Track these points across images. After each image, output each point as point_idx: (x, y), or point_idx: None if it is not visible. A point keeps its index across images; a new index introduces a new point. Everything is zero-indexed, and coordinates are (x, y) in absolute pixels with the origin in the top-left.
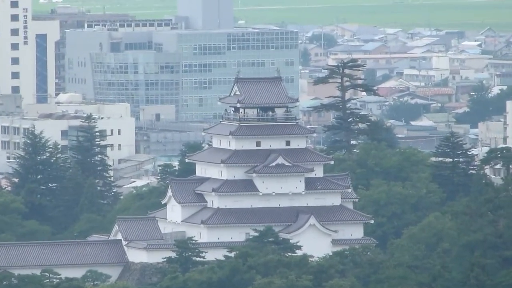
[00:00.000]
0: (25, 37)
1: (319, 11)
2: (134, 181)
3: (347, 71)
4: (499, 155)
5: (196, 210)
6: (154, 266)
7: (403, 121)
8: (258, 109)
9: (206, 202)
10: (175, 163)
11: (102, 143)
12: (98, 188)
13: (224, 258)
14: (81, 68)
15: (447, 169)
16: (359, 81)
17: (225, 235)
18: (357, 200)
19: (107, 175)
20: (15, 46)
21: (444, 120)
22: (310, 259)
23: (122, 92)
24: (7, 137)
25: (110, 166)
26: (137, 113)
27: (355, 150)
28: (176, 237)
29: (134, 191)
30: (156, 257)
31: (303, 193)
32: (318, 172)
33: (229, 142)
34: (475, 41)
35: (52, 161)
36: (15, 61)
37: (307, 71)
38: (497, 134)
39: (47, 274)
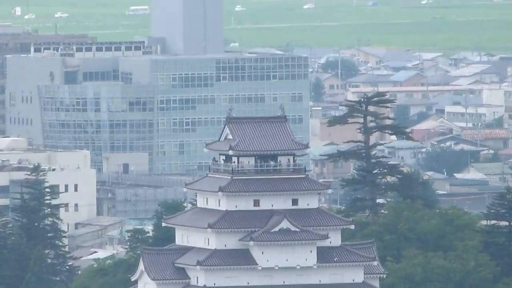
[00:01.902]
0: None
1: (335, 30)
2: (96, 252)
3: (371, 108)
4: None
5: None
6: None
7: (445, 173)
8: (256, 157)
9: (189, 278)
10: (149, 228)
11: (54, 202)
12: (49, 260)
13: None
14: (27, 105)
15: (502, 235)
16: (388, 121)
17: None
18: (385, 275)
19: (60, 243)
20: None
21: (498, 172)
22: None
23: (80, 136)
24: None
25: (64, 232)
26: (99, 163)
27: (382, 211)
28: None
29: (95, 265)
30: None
31: (315, 266)
32: (335, 240)
33: (219, 200)
34: None
35: None
36: None
37: (320, 108)
38: None
39: None
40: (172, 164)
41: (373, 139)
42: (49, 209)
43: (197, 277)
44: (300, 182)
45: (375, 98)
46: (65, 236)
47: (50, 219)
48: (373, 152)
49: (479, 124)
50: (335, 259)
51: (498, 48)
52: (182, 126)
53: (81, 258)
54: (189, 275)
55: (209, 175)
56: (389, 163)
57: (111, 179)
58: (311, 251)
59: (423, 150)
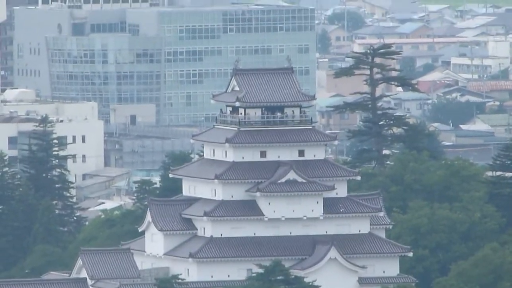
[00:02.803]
0: None
1: None
2: (103, 203)
3: (377, 59)
4: None
5: (183, 239)
6: None
7: (451, 124)
8: (263, 109)
9: (196, 229)
10: (156, 179)
11: (62, 153)
12: (57, 211)
13: None
14: (34, 57)
15: (508, 186)
16: (394, 73)
17: (220, 272)
18: (391, 226)
19: (68, 194)
20: None
21: (504, 123)
22: None
23: (88, 87)
24: None
25: (72, 183)
26: (106, 114)
27: (388, 162)
28: (158, 275)
29: (103, 216)
30: None
31: (321, 217)
32: (341, 191)
33: (226, 152)
34: None
35: None
36: None
37: (327, 60)
38: None
39: None
40: (179, 115)
41: (379, 90)
42: (57, 160)
43: (204, 228)
44: (306, 133)
45: (381, 50)
46: (72, 187)
47: (58, 170)
48: (379, 104)
49: (485, 76)
50: (341, 210)
51: (504, 0)
52: (189, 77)
53: (89, 209)
54: (196, 226)
55: (216, 126)
56: (395, 114)
57: (119, 130)
58: (317, 202)
59: (429, 101)
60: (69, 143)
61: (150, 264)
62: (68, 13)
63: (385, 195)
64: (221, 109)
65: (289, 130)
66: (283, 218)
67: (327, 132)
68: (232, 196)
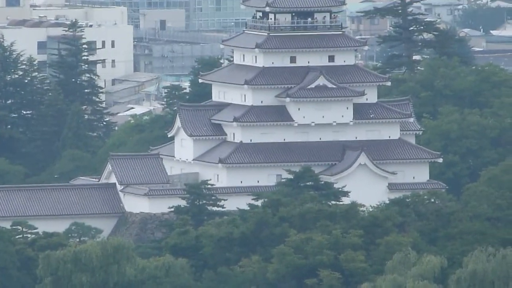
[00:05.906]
0: None
1: None
2: (132, 108)
3: None
4: None
5: (213, 145)
6: (158, 217)
7: (481, 30)
8: (293, 14)
9: (226, 135)
10: (186, 84)
11: (91, 58)
12: (86, 116)
13: (248, 208)
14: None
15: None
16: None
17: (249, 177)
18: (421, 132)
19: (97, 99)
20: None
21: None
22: (360, 208)
23: None
24: None
25: (102, 88)
26: (136, 19)
27: (418, 68)
28: (187, 180)
29: (132, 121)
30: (161, 206)
31: (351, 123)
32: (371, 96)
33: (255, 57)
34: None
35: (26, 81)
36: None
37: None
38: None
39: (19, 227)
40: (209, 20)
41: None
42: (86, 65)
43: (234, 133)
44: (336, 38)
45: None
46: (102, 92)
47: (87, 75)
48: (410, 9)
49: None
50: (371, 116)
51: None
52: None
53: (118, 114)
54: (226, 131)
55: (245, 31)
56: (425, 19)
57: (148, 35)
58: (347, 108)
59: (460, 7)
60: (98, 48)
61: (179, 169)
62: None
63: (415, 100)
64: (254, 14)
65: (319, 35)
66: (312, 124)
67: (357, 37)
68: (261, 102)
